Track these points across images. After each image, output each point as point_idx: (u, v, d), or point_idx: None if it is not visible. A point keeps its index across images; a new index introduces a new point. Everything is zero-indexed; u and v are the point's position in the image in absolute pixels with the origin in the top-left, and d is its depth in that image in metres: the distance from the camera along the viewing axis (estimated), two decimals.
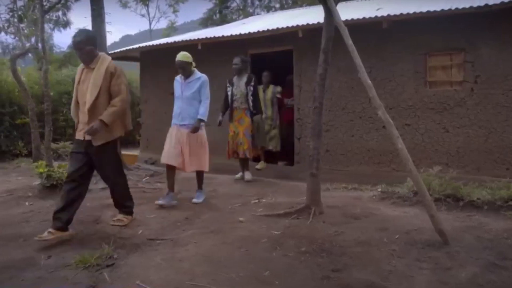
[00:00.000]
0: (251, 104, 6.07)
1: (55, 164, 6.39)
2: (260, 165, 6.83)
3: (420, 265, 2.95)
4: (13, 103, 10.14)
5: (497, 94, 5.72)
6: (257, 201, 4.98)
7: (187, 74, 5.00)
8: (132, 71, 13.76)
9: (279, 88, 7.28)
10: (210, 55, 7.74)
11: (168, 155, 4.87)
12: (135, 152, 9.62)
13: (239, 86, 6.09)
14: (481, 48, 5.79)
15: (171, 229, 3.93)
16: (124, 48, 9.46)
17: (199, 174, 5.14)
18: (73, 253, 3.28)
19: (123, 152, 7.42)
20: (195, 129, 4.87)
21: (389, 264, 2.99)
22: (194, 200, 4.97)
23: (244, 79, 6.07)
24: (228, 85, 6.23)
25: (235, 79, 6.15)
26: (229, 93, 6.18)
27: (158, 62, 9.01)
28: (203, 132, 5.04)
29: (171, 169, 4.95)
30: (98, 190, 5.77)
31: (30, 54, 17.64)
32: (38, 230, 3.90)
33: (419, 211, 4.20)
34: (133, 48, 9.17)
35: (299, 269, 2.94)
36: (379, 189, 5.20)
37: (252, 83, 6.05)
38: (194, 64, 5.08)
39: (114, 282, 2.80)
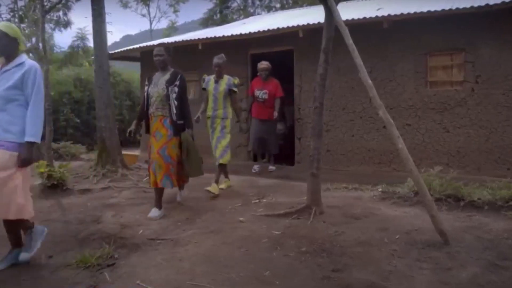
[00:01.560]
0: (174, 111, 4.37)
1: (56, 164, 6.39)
2: (213, 188, 5.18)
3: (421, 265, 2.95)
4: None
5: (497, 94, 5.72)
6: (257, 201, 4.98)
7: (7, 52, 3.09)
8: (132, 71, 13.81)
9: (236, 80, 5.61)
10: (211, 55, 7.69)
11: None
12: (135, 152, 9.62)
13: (157, 85, 4.48)
14: (482, 48, 5.79)
15: (171, 229, 3.93)
16: (125, 48, 9.48)
17: (10, 226, 3.11)
18: (74, 253, 3.28)
19: (124, 152, 7.42)
20: (24, 162, 2.96)
21: (389, 264, 2.98)
22: None
23: (167, 76, 4.49)
24: (146, 83, 4.69)
25: (156, 75, 4.62)
26: (145, 94, 4.62)
27: None
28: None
29: None
30: (98, 189, 5.78)
31: (31, 54, 17.66)
32: None
33: (420, 211, 4.20)
34: (133, 48, 9.18)
35: (299, 269, 2.94)
36: (380, 189, 5.19)
37: (177, 82, 4.42)
38: (24, 46, 3.25)
39: (114, 282, 2.80)
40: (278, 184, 6.00)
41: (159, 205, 4.45)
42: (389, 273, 2.84)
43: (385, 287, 2.64)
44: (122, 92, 12.91)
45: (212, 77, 5.60)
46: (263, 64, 6.62)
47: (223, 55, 5.63)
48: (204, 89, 5.70)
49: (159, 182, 4.34)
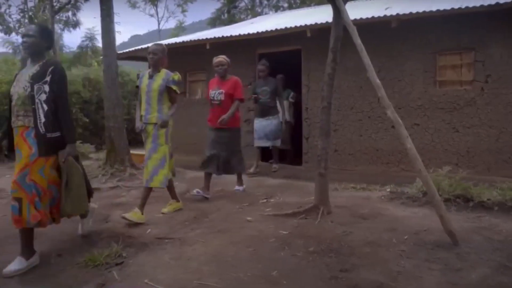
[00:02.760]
0: (41, 119, 3.07)
1: None
2: (133, 215, 4.11)
3: (429, 266, 2.93)
4: None
5: (508, 94, 5.66)
6: (265, 200, 4.98)
7: None
8: (141, 71, 13.88)
9: (177, 75, 4.42)
10: (219, 55, 7.74)
11: None
12: (143, 151, 9.66)
13: (20, 81, 3.19)
14: (492, 47, 5.73)
15: (179, 228, 3.95)
16: (133, 48, 9.52)
17: None
18: (82, 251, 3.31)
19: (133, 151, 7.45)
20: None
21: (397, 264, 2.97)
22: None
23: (35, 68, 3.17)
24: (13, 79, 3.39)
25: (25, 68, 3.35)
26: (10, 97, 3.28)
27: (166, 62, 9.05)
28: None
29: None
30: (107, 189, 5.82)
31: None
32: (47, 229, 3.94)
33: (429, 212, 4.17)
34: (142, 48, 9.21)
35: (307, 269, 2.94)
36: (388, 189, 5.17)
37: (48, 78, 3.11)
38: None
39: (123, 281, 2.82)
40: (286, 184, 6.00)
41: (26, 252, 3.10)
42: (398, 273, 2.82)
43: (393, 287, 2.63)
44: (131, 92, 12.96)
45: (147, 72, 4.51)
46: (219, 58, 5.29)
47: (158, 47, 4.53)
48: (137, 87, 4.56)
49: (17, 221, 3.03)
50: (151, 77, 4.40)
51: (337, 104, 6.66)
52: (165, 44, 5.54)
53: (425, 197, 4.51)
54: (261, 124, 6.73)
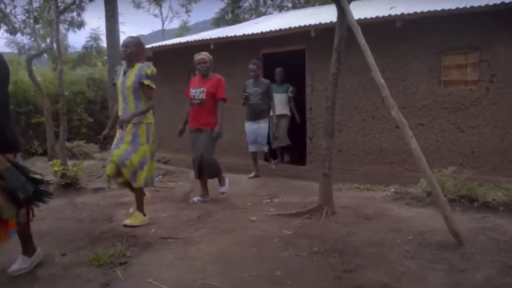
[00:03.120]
0: None
1: (70, 163, 6.47)
2: (135, 219, 4.05)
3: (434, 267, 2.92)
4: (29, 102, 10.35)
5: None
6: (269, 200, 4.98)
7: None
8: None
9: (150, 69, 4.06)
10: (223, 55, 7.75)
11: None
12: None
13: None
14: (497, 47, 5.70)
15: (183, 228, 3.95)
16: None
17: None
18: (87, 251, 3.32)
19: None
20: None
21: (402, 265, 2.96)
22: None
23: None
24: None
25: None
26: None
27: (171, 62, 9.07)
28: None
29: None
30: (111, 188, 5.83)
31: (45, 55, 17.93)
32: (53, 228, 3.97)
33: (433, 212, 4.15)
34: (146, 48, 9.23)
35: (311, 269, 2.93)
36: (392, 190, 5.16)
37: None
38: None
39: (127, 280, 2.82)
40: (290, 184, 5.99)
41: (27, 250, 3.06)
42: (402, 274, 2.81)
43: None
44: None
45: (122, 69, 4.22)
46: (201, 55, 4.98)
47: (139, 37, 4.30)
48: (114, 84, 4.31)
49: None
50: (125, 73, 4.10)
51: (341, 104, 6.65)
52: (170, 44, 5.40)
53: (429, 198, 4.50)
54: (251, 128, 6.45)
